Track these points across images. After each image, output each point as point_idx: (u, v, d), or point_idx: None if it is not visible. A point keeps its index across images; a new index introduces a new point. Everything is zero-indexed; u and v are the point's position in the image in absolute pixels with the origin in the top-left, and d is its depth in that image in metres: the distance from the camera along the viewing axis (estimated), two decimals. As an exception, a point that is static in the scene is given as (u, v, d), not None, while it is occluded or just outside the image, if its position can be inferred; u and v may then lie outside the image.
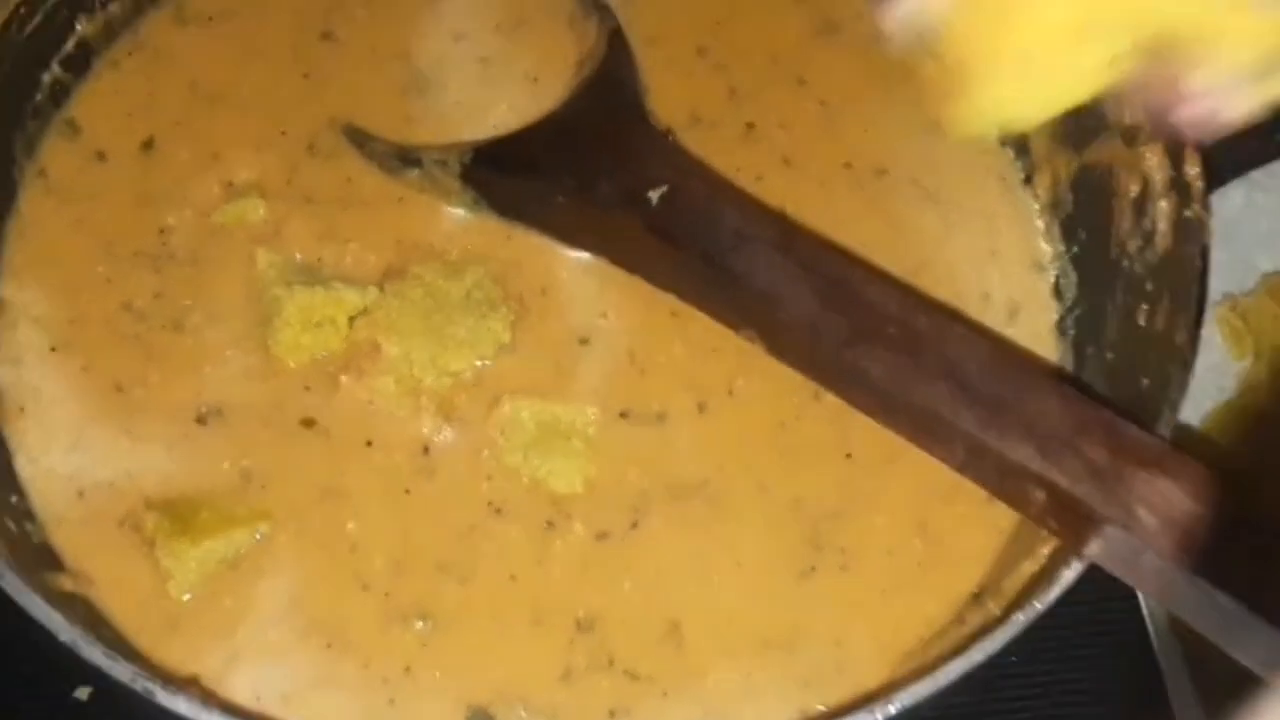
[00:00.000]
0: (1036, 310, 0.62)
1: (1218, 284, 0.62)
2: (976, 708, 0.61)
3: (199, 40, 0.66)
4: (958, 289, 0.62)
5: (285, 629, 0.55)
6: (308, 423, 0.58)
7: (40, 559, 0.55)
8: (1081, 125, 0.60)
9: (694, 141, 0.63)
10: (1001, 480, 0.50)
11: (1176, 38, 0.32)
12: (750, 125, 0.65)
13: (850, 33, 0.67)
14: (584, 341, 0.60)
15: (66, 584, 0.54)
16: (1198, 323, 0.52)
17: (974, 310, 0.62)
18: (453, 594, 0.56)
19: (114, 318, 0.60)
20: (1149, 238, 0.57)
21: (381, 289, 0.59)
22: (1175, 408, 0.51)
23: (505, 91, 0.65)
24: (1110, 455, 0.47)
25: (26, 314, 0.60)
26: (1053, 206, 0.64)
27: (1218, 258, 0.55)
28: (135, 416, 0.58)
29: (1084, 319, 0.61)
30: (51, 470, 0.57)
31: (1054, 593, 0.47)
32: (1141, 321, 0.56)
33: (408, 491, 0.57)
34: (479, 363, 0.59)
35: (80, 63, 0.65)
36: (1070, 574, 0.48)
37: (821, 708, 0.54)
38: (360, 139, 0.64)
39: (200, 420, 0.58)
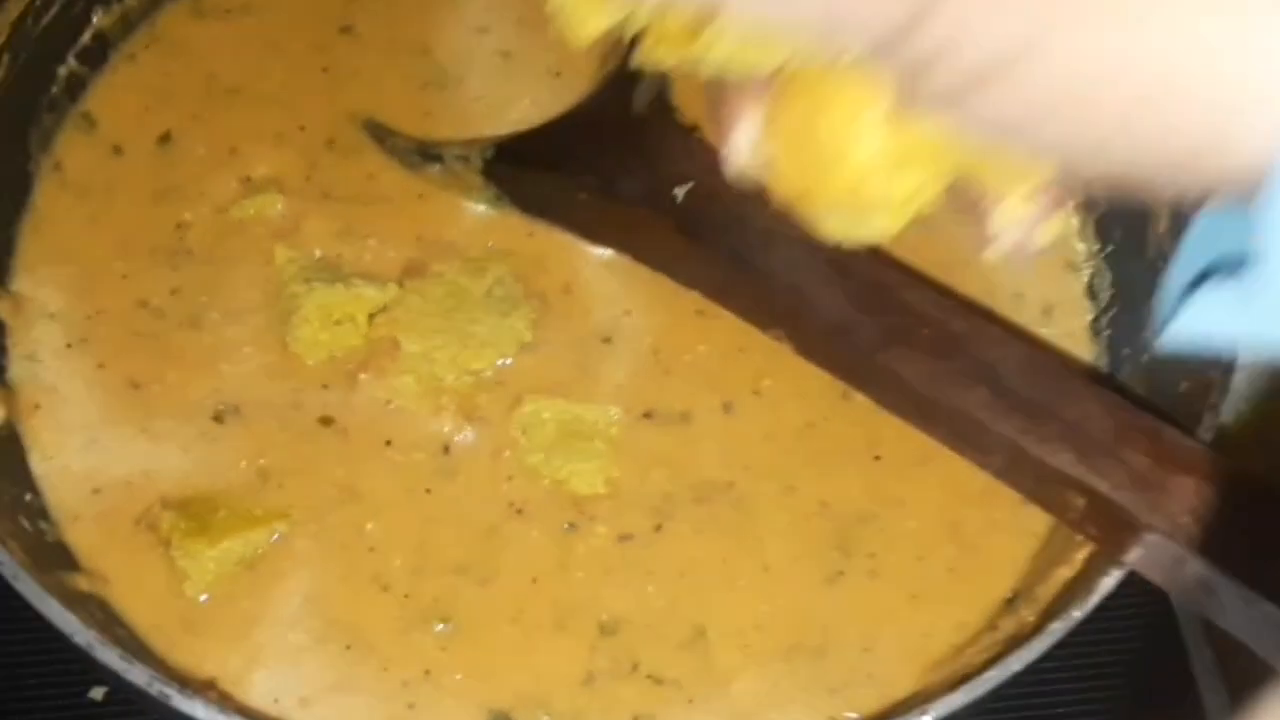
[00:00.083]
0: (1070, 310, 0.61)
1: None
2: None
3: (217, 33, 0.65)
4: (990, 288, 0.61)
5: (303, 631, 0.54)
6: (326, 421, 0.57)
7: (55, 558, 0.54)
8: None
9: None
10: (1039, 486, 0.49)
11: (972, 174, 0.34)
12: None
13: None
14: (607, 340, 0.59)
15: (82, 583, 0.53)
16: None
17: (1007, 310, 0.60)
18: (473, 596, 0.55)
19: (130, 314, 0.59)
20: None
21: (402, 286, 0.59)
22: (1217, 411, 0.50)
23: (528, 86, 0.64)
24: (1152, 461, 0.46)
25: (42, 310, 0.59)
26: (1087, 205, 0.63)
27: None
28: (151, 414, 0.57)
29: (1120, 319, 0.60)
30: (66, 468, 0.56)
31: (1093, 601, 0.46)
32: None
33: (428, 492, 0.57)
34: (500, 361, 0.58)
35: (96, 55, 0.64)
36: (1110, 582, 0.47)
37: (851, 715, 0.53)
38: (380, 134, 0.63)
39: (217, 418, 0.57)
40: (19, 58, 0.60)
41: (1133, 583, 0.48)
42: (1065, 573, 0.52)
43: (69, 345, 0.58)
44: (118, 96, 0.64)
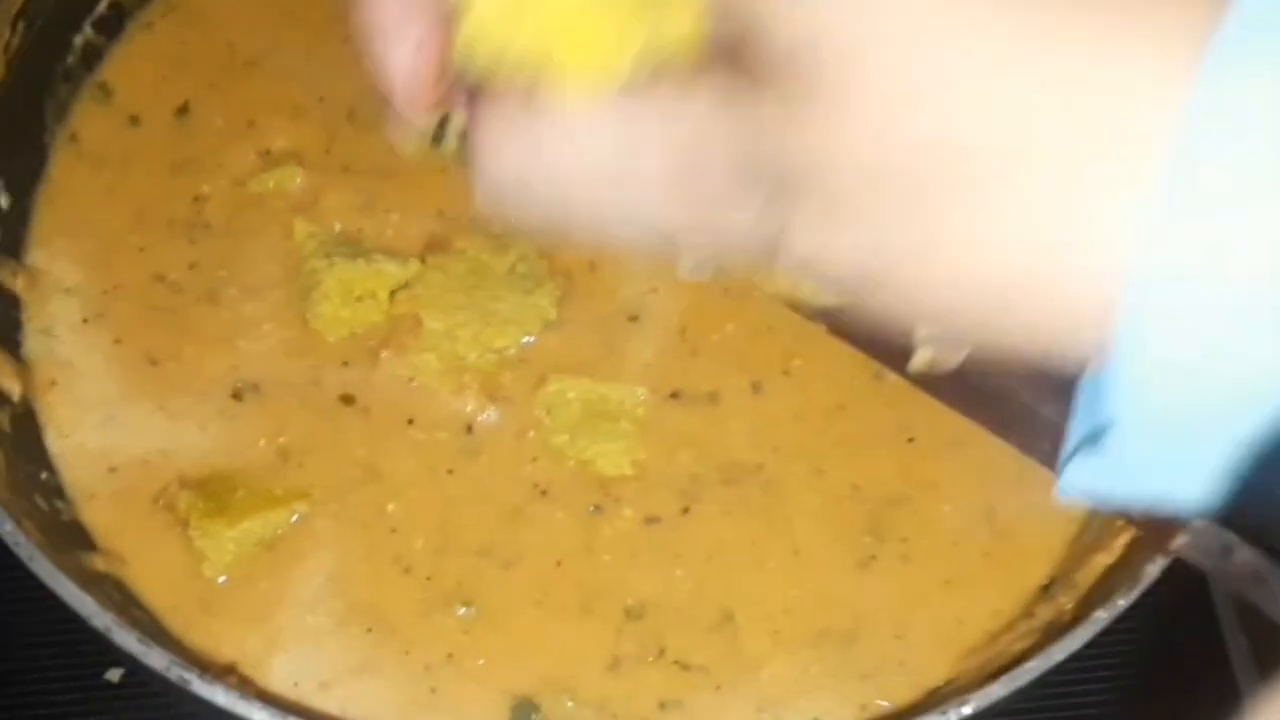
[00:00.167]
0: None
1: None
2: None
3: (234, 2, 0.64)
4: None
5: (323, 613, 0.53)
6: (347, 400, 0.56)
7: (71, 538, 0.53)
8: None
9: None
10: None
11: None
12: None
13: None
14: (633, 319, 0.58)
15: (98, 563, 0.52)
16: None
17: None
18: (496, 579, 0.54)
19: (147, 289, 0.58)
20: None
21: (424, 262, 0.57)
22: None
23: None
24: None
25: (58, 284, 0.58)
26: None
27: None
28: (169, 391, 0.56)
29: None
30: (82, 446, 0.55)
31: (1138, 589, 0.45)
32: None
33: (450, 472, 0.55)
34: (524, 340, 0.57)
35: (113, 24, 0.62)
36: (1154, 569, 0.46)
37: (882, 703, 0.52)
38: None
39: (236, 396, 0.56)
40: (35, 26, 0.58)
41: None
42: (1104, 559, 0.50)
43: (85, 320, 0.57)
44: (134, 66, 0.62)
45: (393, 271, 0.57)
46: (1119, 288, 0.23)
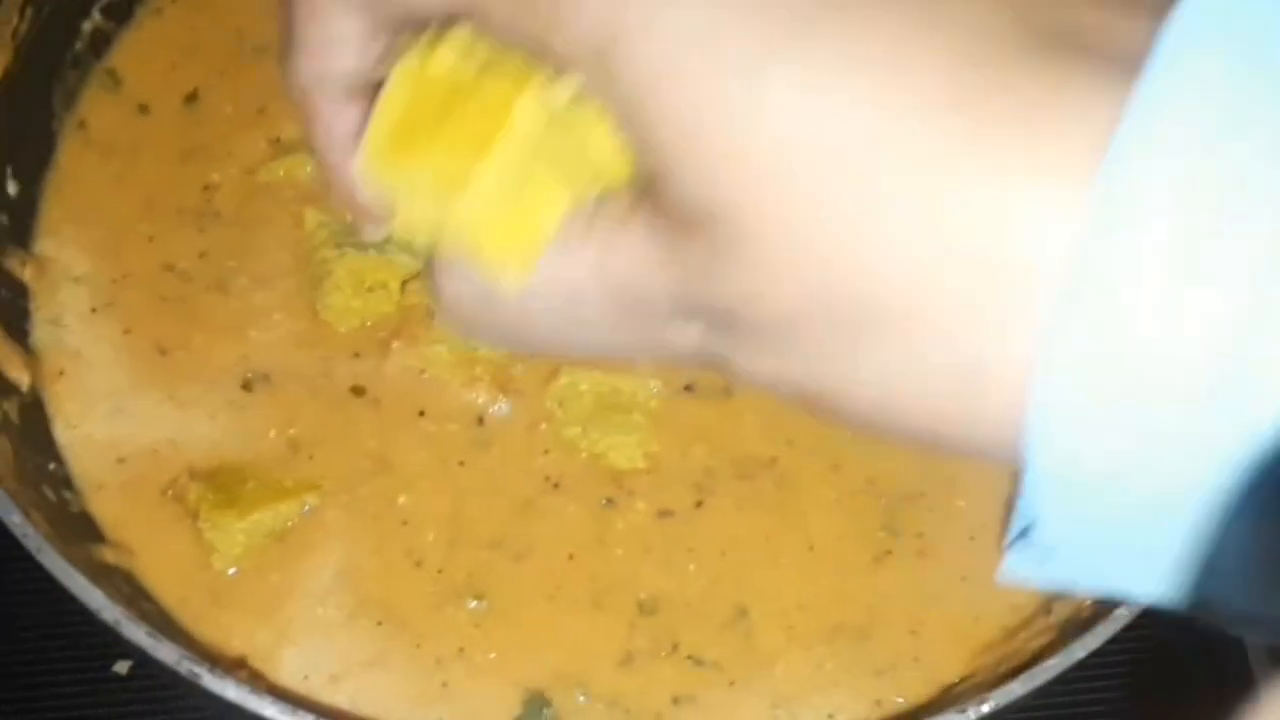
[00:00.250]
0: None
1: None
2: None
3: (244, -12, 0.63)
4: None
5: (334, 606, 0.52)
6: (358, 391, 0.56)
7: (79, 529, 0.52)
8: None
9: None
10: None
11: None
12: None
13: None
14: (647, 310, 0.58)
15: (107, 555, 0.52)
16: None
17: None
18: (508, 572, 0.53)
19: (157, 278, 0.57)
20: None
21: (435, 252, 0.57)
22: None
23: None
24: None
25: (66, 273, 0.57)
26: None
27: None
28: (178, 381, 0.56)
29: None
30: (90, 436, 0.55)
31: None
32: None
33: (461, 464, 0.55)
34: (536, 331, 0.56)
35: (122, 10, 0.62)
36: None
37: (897, 699, 0.52)
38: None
39: (246, 386, 0.56)
40: (42, 11, 0.58)
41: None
42: (1124, 556, 0.50)
43: (94, 309, 0.57)
44: (143, 52, 0.62)
45: (404, 262, 0.56)
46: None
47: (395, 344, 0.56)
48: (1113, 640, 0.47)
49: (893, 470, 0.55)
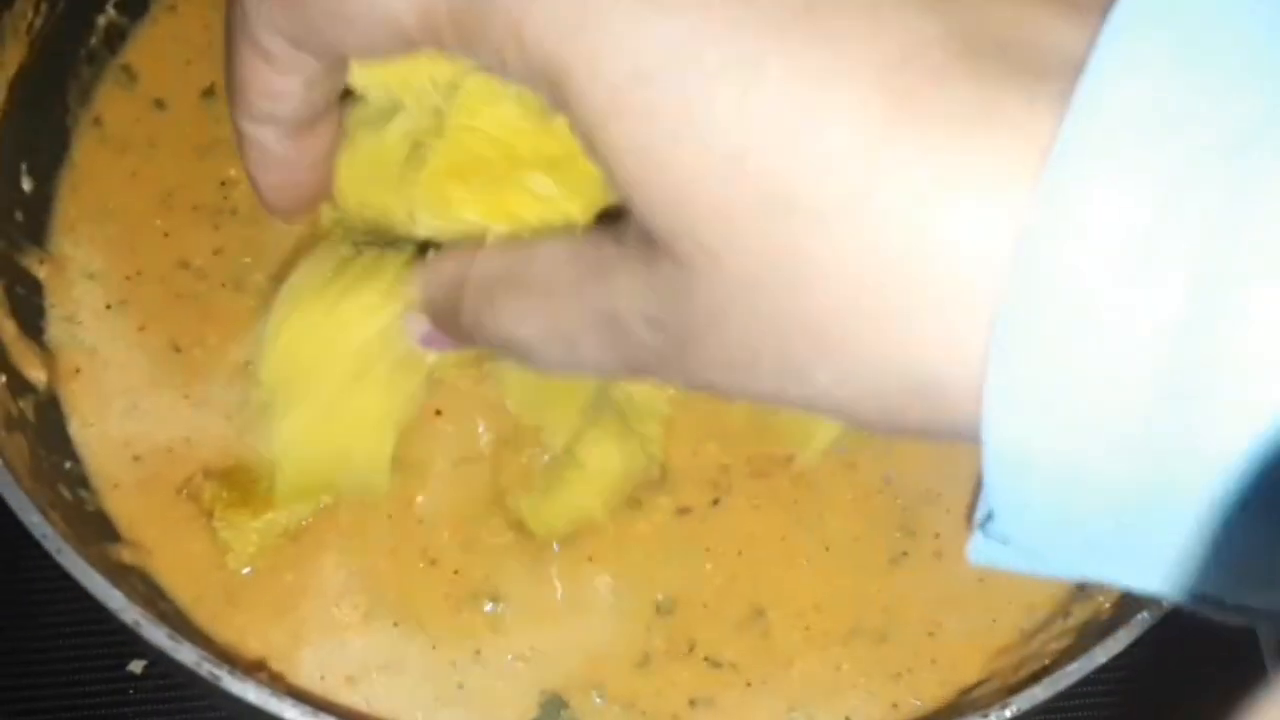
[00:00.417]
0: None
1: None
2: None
3: (259, -17, 0.63)
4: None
5: (349, 607, 0.52)
6: (373, 389, 0.55)
7: (95, 528, 0.52)
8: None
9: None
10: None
11: None
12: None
13: None
14: (663, 309, 0.57)
15: (124, 555, 0.51)
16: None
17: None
18: (525, 574, 0.53)
19: (172, 275, 0.57)
20: None
21: (451, 250, 0.56)
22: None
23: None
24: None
25: (82, 270, 0.57)
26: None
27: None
28: (193, 379, 0.55)
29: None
30: (106, 434, 0.55)
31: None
32: None
33: (478, 464, 0.55)
34: (553, 329, 0.56)
35: (137, 5, 0.61)
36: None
37: (915, 703, 0.51)
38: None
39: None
40: (57, 6, 0.57)
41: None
42: (1143, 559, 0.50)
43: (109, 307, 0.57)
44: (159, 48, 0.61)
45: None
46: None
47: (411, 343, 0.56)
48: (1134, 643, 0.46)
49: (909, 470, 0.55)
